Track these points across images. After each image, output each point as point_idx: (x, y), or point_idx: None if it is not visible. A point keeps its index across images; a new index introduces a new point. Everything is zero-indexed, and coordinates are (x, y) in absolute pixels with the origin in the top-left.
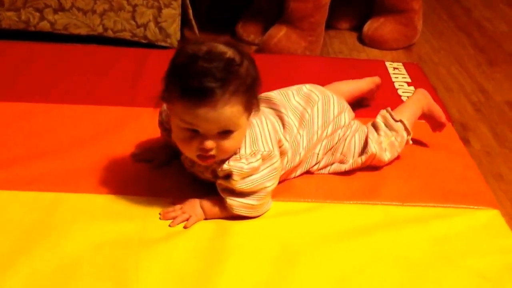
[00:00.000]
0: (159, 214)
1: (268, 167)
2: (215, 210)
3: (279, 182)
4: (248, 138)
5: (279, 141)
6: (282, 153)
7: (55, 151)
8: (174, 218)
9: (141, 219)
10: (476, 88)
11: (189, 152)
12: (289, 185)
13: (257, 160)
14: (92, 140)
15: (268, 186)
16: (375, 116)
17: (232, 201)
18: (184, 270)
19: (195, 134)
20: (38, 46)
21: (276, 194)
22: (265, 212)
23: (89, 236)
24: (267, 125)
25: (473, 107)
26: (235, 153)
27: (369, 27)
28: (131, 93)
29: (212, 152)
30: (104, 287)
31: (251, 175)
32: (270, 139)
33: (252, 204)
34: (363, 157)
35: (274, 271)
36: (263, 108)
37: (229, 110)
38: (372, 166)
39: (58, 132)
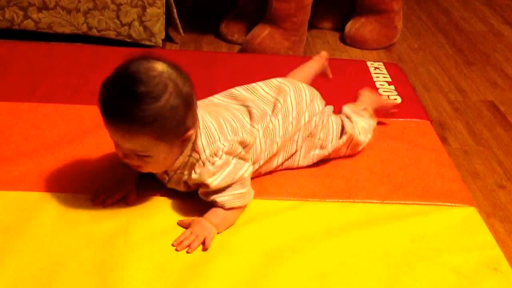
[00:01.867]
0: (172, 245)
1: (235, 156)
2: (220, 217)
3: (263, 178)
4: (205, 140)
5: (250, 131)
6: (250, 142)
7: (39, 151)
8: (189, 245)
9: (126, 219)
10: (454, 87)
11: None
12: (270, 183)
13: (221, 157)
14: (77, 140)
15: (244, 172)
16: None
17: (222, 198)
18: (169, 270)
19: (118, 145)
20: (22, 45)
21: (257, 192)
22: (251, 199)
23: (74, 235)
24: (226, 122)
25: (451, 106)
26: (197, 160)
27: (351, 27)
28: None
29: (136, 165)
30: (89, 286)
31: (221, 170)
32: (231, 134)
33: (240, 193)
34: (344, 138)
35: (256, 270)
36: (230, 102)
37: (134, 139)
38: (350, 153)
39: (43, 131)
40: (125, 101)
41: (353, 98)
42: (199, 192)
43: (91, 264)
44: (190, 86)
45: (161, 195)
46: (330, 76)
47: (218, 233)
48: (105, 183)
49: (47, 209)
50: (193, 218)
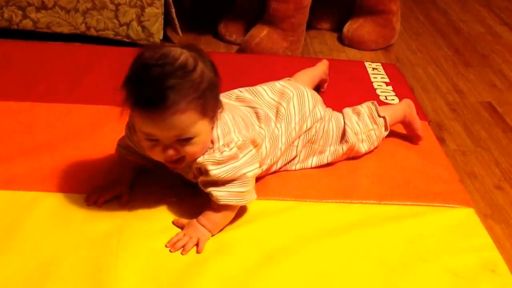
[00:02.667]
0: (166, 246)
1: (246, 154)
2: (213, 220)
3: (260, 179)
4: (220, 131)
5: (259, 133)
6: (260, 142)
7: (34, 150)
8: (183, 246)
9: (120, 219)
10: (452, 88)
11: (156, 158)
12: (268, 184)
13: (231, 149)
14: (73, 139)
15: (248, 171)
16: None
17: (218, 192)
18: (163, 270)
19: (157, 143)
20: (20, 44)
21: (255, 192)
22: (252, 200)
23: (68, 235)
24: (239, 119)
25: (449, 107)
26: (209, 147)
27: (349, 28)
28: (113, 92)
29: (178, 157)
30: (82, 286)
31: (228, 162)
32: (244, 130)
33: (238, 192)
34: (344, 147)
35: (253, 270)
36: (236, 104)
37: (181, 117)
38: (350, 158)
39: (39, 130)
40: (165, 83)
41: (351, 98)
42: (198, 180)
43: (84, 264)
44: (209, 57)
45: (156, 196)
46: (324, 87)
47: (212, 235)
48: (100, 183)
49: (40, 208)
50: (188, 220)
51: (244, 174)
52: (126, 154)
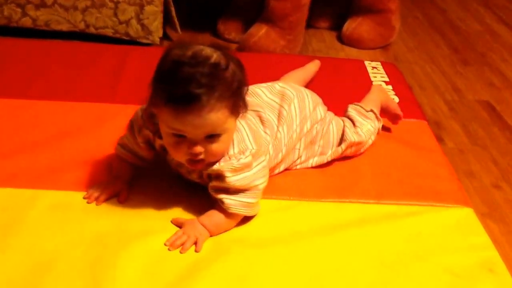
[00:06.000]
0: (165, 244)
1: (259, 164)
2: (214, 222)
3: None
4: (235, 138)
5: (264, 138)
6: (266, 150)
7: (33, 147)
8: (182, 245)
9: (120, 217)
10: (450, 87)
11: (179, 156)
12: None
13: (247, 156)
14: (71, 137)
15: (259, 184)
16: None
17: (229, 200)
18: (161, 269)
19: (183, 139)
20: (19, 42)
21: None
22: (256, 213)
23: (66, 233)
24: (248, 125)
25: (447, 106)
26: (224, 155)
27: (348, 26)
28: (112, 90)
29: (201, 156)
30: (81, 285)
31: (243, 171)
32: (254, 138)
33: (249, 202)
34: (343, 146)
35: (251, 269)
36: None
37: (215, 115)
38: (350, 155)
39: (37, 128)
40: (200, 81)
41: (351, 97)
42: (209, 185)
43: (83, 263)
44: (237, 57)
45: (155, 195)
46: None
47: (210, 236)
48: (99, 181)
49: (39, 206)
50: (186, 219)
51: (257, 185)
52: (124, 155)
